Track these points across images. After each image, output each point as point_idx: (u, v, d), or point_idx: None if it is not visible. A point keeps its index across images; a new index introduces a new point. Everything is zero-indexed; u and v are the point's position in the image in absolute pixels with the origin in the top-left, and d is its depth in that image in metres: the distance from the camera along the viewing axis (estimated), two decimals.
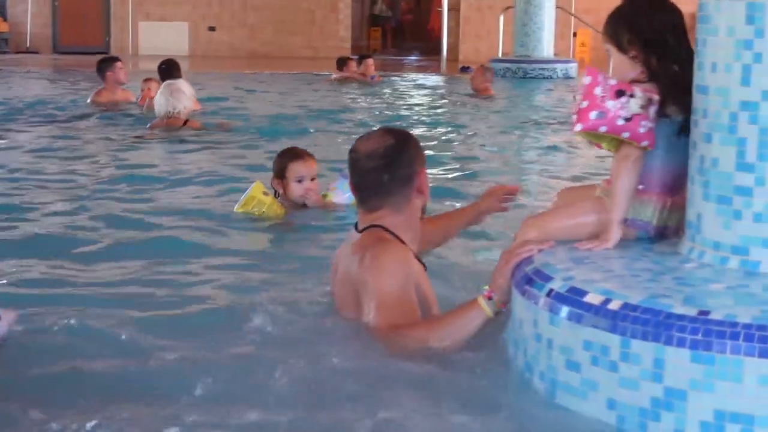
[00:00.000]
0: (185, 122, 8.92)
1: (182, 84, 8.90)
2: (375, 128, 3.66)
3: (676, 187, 3.23)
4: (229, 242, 4.99)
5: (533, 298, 2.95)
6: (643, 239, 3.27)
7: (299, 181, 5.50)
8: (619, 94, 3.12)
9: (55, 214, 5.61)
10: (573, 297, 2.83)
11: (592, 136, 3.18)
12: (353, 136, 8.68)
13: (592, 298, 2.78)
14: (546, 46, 18.30)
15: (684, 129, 3.17)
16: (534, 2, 18.09)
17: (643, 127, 3.10)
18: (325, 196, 5.61)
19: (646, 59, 3.24)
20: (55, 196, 6.18)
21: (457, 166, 7.81)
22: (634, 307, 2.69)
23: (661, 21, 3.25)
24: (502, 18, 19.57)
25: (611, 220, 3.17)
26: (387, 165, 3.35)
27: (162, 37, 23.47)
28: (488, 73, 13.72)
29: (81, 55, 21.52)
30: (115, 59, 11.42)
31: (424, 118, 11.45)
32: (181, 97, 8.80)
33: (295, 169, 5.50)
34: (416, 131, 10.00)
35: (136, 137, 8.83)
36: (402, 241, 3.37)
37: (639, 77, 3.23)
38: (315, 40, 24.04)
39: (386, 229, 3.37)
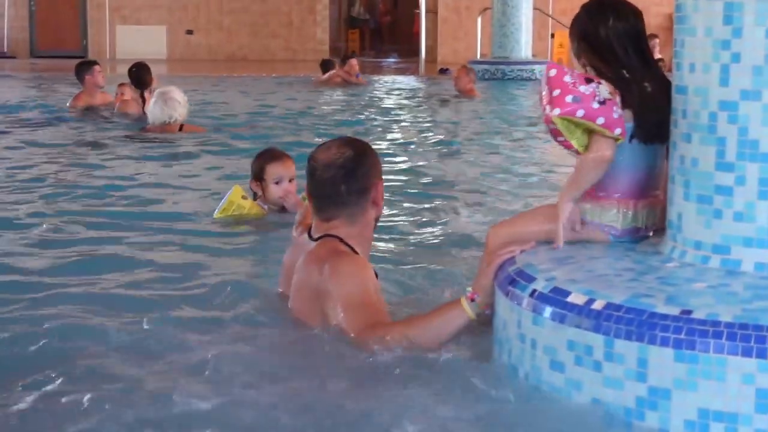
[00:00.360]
0: (181, 127, 8.97)
1: (175, 92, 8.94)
2: (337, 137, 3.68)
3: (636, 190, 3.26)
4: (207, 246, 4.98)
5: (516, 298, 2.95)
6: (624, 240, 3.29)
7: (277, 183, 5.44)
8: (588, 81, 3.15)
9: (30, 215, 5.58)
10: (556, 297, 2.84)
11: (567, 126, 3.15)
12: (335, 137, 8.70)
13: (576, 298, 2.79)
14: (524, 47, 18.35)
15: (635, 135, 3.21)
16: (511, 3, 18.14)
17: (615, 112, 3.12)
18: (304, 198, 5.60)
19: (594, 66, 3.28)
20: (32, 196, 6.15)
21: (450, 166, 7.83)
22: (618, 307, 2.70)
23: (611, 28, 3.27)
24: (479, 19, 19.62)
25: (560, 199, 3.22)
26: (344, 176, 3.40)
27: (139, 40, 23.40)
28: (471, 74, 13.77)
29: (58, 59, 21.43)
30: (93, 63, 11.41)
31: (411, 119, 11.47)
32: (175, 106, 8.85)
33: (273, 170, 5.46)
34: (405, 133, 10.03)
35: (128, 137, 8.88)
36: (355, 252, 3.41)
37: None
38: (293, 42, 24.02)
39: (341, 240, 3.40)
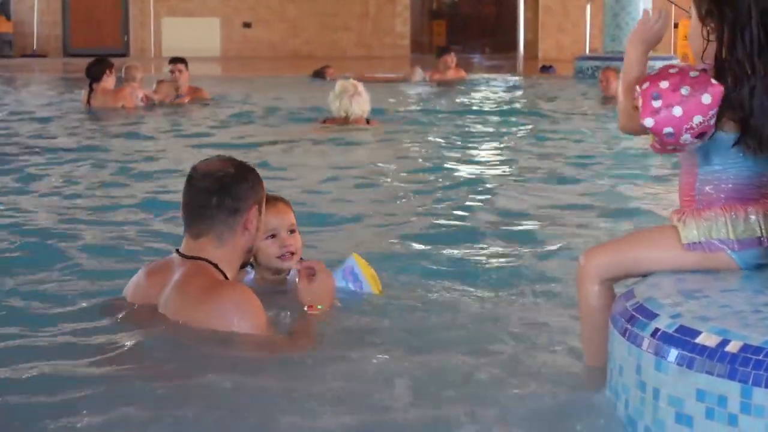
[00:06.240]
0: (368, 122, 10.55)
1: (360, 86, 10.35)
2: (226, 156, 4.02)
3: (743, 195, 3.27)
4: None
5: (635, 339, 2.95)
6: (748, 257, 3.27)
7: (273, 237, 4.27)
8: (701, 136, 3.16)
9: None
10: (683, 338, 2.83)
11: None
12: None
13: (706, 339, 2.78)
14: None
15: (739, 143, 3.20)
16: None
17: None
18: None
19: (720, 42, 3.21)
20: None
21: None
22: (757, 350, 2.69)
23: None
24: (589, 8, 19.59)
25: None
26: (218, 189, 3.81)
27: (189, 35, 23.78)
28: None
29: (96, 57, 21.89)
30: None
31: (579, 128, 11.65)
32: (359, 101, 10.29)
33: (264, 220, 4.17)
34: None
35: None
36: (226, 277, 3.81)
37: (707, 67, 3.22)
38: (368, 36, 24.21)
39: (211, 263, 3.80)
